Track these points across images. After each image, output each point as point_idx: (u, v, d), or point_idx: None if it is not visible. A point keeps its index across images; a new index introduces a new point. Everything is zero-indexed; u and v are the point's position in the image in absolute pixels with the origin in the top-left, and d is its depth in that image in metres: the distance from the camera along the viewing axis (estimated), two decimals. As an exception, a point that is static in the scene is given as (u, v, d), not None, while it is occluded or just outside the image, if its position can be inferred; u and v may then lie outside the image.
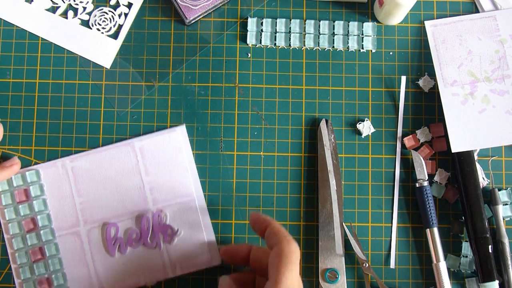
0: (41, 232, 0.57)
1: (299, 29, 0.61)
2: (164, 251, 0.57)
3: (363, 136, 0.60)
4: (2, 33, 0.61)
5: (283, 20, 0.61)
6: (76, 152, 0.59)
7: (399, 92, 0.60)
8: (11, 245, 0.57)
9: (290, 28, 0.61)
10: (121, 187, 0.58)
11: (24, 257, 0.57)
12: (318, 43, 0.61)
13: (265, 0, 0.62)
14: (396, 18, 0.60)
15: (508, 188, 0.58)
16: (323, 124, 0.59)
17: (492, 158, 0.59)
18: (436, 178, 0.59)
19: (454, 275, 0.58)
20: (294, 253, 0.46)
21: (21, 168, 0.58)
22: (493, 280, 0.55)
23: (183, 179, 0.58)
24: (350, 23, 0.61)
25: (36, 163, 0.59)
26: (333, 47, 0.61)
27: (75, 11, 0.62)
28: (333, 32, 0.61)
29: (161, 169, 0.58)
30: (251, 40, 0.61)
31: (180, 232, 0.57)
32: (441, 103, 0.59)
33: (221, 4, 0.61)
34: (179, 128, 0.59)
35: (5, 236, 0.57)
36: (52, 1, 0.62)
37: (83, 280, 0.57)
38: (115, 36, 0.61)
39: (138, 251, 0.58)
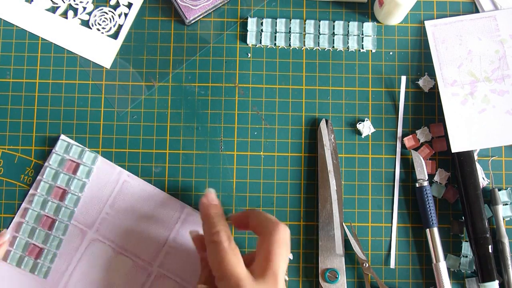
0: (63, 209, 0.58)
1: (299, 29, 0.61)
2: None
3: (363, 136, 0.60)
4: (2, 33, 0.61)
5: (283, 20, 0.61)
6: (76, 152, 0.59)
7: (399, 92, 0.60)
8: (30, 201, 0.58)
9: (290, 28, 0.61)
10: (150, 231, 0.58)
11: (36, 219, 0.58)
12: (318, 43, 0.61)
13: (265, 0, 0.62)
14: (396, 18, 0.60)
15: (508, 188, 0.58)
16: (323, 124, 0.59)
17: (492, 158, 0.59)
18: (436, 178, 0.59)
19: (454, 275, 0.58)
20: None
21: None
22: (493, 280, 0.55)
23: None
24: (350, 23, 0.61)
25: (36, 163, 0.59)
26: (333, 47, 0.61)
27: (75, 11, 0.62)
28: (333, 32, 0.61)
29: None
30: (251, 40, 0.61)
31: None
32: (441, 103, 0.59)
33: (221, 4, 0.61)
34: None
35: (31, 191, 0.58)
36: (52, 1, 0.62)
37: (58, 273, 0.57)
38: (115, 36, 0.61)
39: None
